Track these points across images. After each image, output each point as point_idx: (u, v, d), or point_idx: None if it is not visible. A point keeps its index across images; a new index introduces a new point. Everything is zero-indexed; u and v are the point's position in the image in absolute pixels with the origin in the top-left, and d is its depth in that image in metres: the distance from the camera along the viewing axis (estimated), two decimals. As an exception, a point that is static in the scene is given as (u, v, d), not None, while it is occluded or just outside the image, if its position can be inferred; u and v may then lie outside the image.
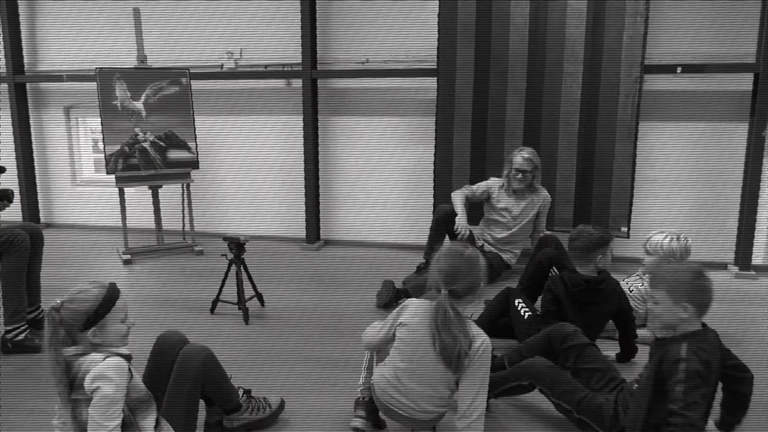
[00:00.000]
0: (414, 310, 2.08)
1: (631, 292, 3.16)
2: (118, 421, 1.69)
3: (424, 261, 4.06)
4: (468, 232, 3.97)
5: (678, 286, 1.88)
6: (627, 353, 2.84)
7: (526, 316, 2.88)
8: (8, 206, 3.03)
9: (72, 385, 1.71)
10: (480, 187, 4.19)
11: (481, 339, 1.98)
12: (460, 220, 4.00)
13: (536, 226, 4.18)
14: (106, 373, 1.68)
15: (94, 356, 1.73)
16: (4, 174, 3.07)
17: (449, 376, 1.98)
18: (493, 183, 4.20)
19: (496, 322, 2.98)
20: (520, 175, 3.99)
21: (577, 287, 2.76)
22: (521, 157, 3.99)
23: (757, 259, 4.43)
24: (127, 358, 1.81)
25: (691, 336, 1.88)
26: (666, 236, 3.08)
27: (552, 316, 2.72)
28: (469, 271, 2.00)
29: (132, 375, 1.77)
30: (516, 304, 2.94)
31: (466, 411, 1.94)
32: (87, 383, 1.68)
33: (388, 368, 2.09)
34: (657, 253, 3.07)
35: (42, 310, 3.20)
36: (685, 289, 1.88)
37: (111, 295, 1.80)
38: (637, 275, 3.25)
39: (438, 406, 2.03)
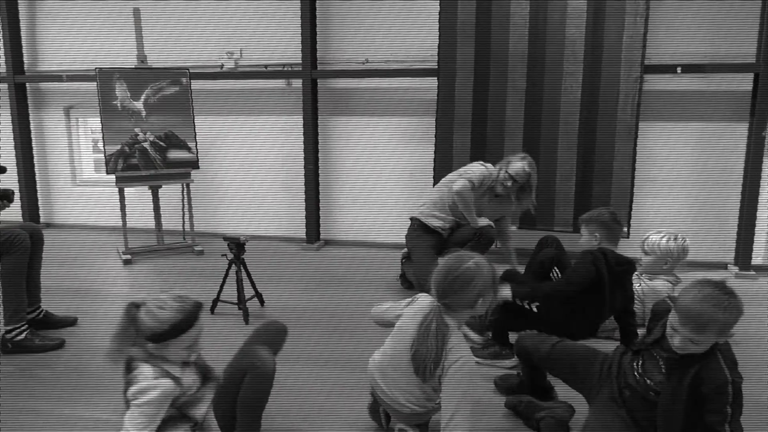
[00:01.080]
0: (417, 306, 2.09)
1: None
2: None
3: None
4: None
5: (729, 327, 1.75)
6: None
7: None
8: (8, 206, 3.03)
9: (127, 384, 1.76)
10: (480, 178, 3.76)
11: (458, 355, 1.90)
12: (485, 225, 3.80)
13: (505, 230, 4.09)
14: (149, 393, 1.69)
15: (147, 371, 1.72)
16: (4, 174, 3.08)
17: (420, 382, 1.97)
18: (488, 174, 3.81)
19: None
20: (510, 183, 3.76)
21: (622, 266, 2.64)
22: (522, 167, 3.72)
23: (757, 259, 4.43)
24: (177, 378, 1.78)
25: (722, 348, 1.78)
26: (663, 236, 3.08)
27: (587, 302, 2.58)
28: (464, 286, 1.94)
29: (180, 387, 1.76)
30: (519, 303, 2.72)
31: (444, 427, 1.88)
32: (131, 391, 1.70)
33: (379, 354, 2.13)
34: (654, 252, 3.09)
35: (42, 310, 3.20)
36: (732, 324, 1.76)
37: (184, 322, 1.75)
38: (636, 275, 3.25)
39: (414, 404, 2.01)
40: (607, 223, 2.70)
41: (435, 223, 3.89)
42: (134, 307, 1.74)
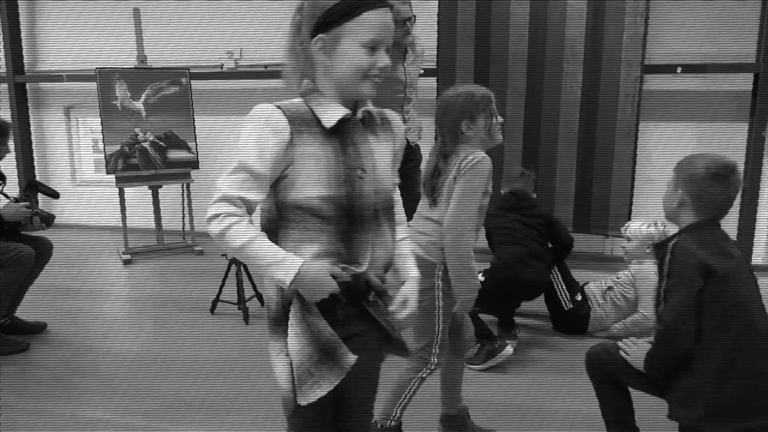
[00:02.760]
0: None
1: (618, 278, 3.23)
2: (220, 210, 1.17)
3: None
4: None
5: (684, 171, 1.78)
6: None
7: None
8: (44, 229, 3.05)
9: None
10: None
11: (470, 155, 1.83)
12: None
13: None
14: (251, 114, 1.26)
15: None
16: (9, 179, 3.09)
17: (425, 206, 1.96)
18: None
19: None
20: (410, 23, 3.02)
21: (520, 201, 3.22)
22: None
23: (757, 259, 4.43)
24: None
25: (687, 230, 1.71)
26: (643, 223, 3.20)
27: None
28: (445, 111, 1.93)
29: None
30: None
31: (447, 216, 1.84)
32: None
33: None
34: (636, 237, 3.17)
35: (7, 319, 3.10)
36: (686, 176, 1.76)
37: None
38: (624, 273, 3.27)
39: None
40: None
41: None
42: None
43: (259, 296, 3.56)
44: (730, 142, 4.35)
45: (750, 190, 4.28)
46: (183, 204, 4.94)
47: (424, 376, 1.97)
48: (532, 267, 2.97)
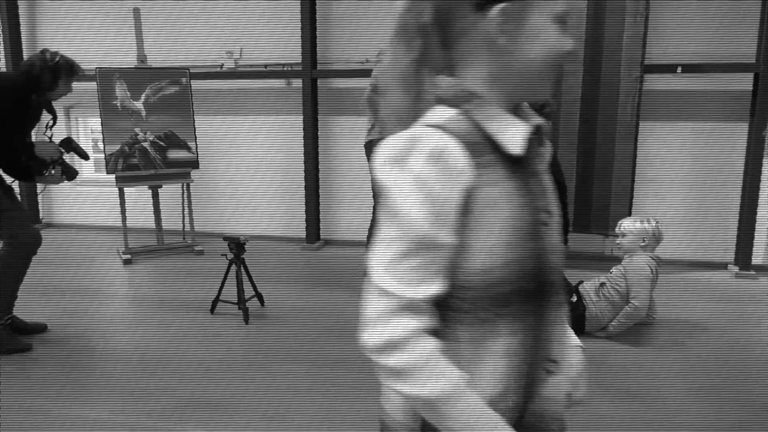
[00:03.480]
0: None
1: (611, 273, 3.25)
2: (398, 331, 0.72)
3: None
4: None
5: None
6: None
7: None
8: (61, 181, 3.24)
9: None
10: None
11: None
12: None
13: None
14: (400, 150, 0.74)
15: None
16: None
17: None
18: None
19: None
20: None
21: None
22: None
23: (757, 259, 4.43)
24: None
25: None
26: (636, 219, 3.30)
27: None
28: None
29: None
30: None
31: None
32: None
33: None
34: (631, 232, 3.24)
35: (8, 319, 3.06)
36: None
37: None
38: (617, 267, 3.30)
39: None
40: None
41: None
42: None
43: (260, 296, 3.57)
44: (730, 142, 4.36)
45: (750, 190, 4.28)
46: (183, 204, 4.94)
47: None
48: None
